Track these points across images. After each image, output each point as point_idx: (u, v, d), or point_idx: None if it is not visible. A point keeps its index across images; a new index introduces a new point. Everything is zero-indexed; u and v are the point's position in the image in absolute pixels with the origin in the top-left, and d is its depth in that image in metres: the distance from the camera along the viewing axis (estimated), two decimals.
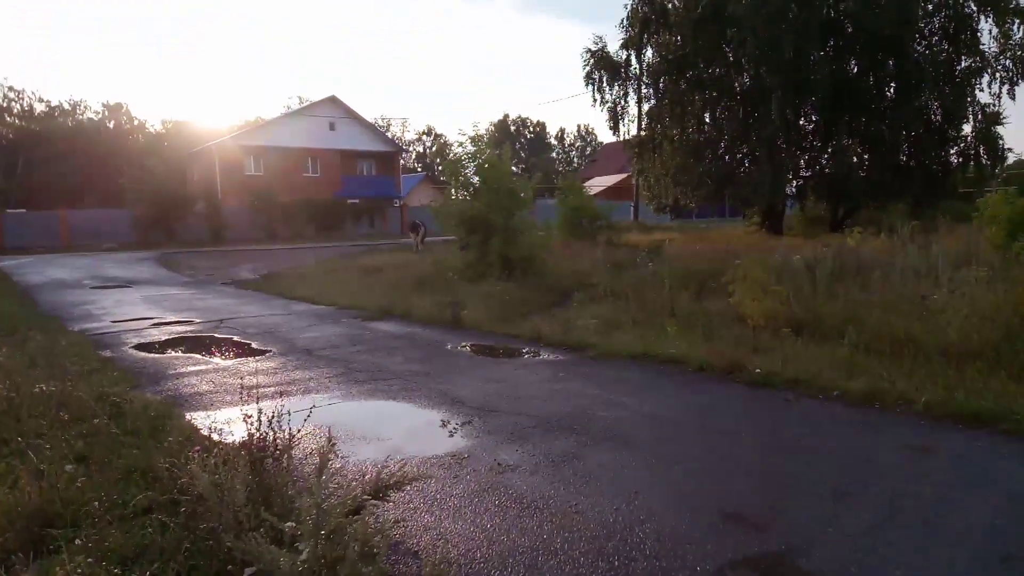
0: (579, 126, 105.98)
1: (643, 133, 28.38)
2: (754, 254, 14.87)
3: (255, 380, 6.49)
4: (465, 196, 14.83)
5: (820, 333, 7.28)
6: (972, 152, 24.94)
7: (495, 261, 13.64)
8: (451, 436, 4.79)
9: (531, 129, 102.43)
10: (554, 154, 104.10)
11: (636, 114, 28.66)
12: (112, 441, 4.44)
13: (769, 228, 25.57)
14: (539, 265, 14.35)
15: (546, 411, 5.26)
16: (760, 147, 23.67)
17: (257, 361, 7.48)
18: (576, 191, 25.38)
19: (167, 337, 9.44)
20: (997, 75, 23.97)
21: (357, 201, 44.69)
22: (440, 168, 17.65)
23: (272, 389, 6.15)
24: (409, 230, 31.06)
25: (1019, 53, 23.66)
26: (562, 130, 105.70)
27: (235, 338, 9.18)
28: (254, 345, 8.58)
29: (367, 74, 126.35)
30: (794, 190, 26.42)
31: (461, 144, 14.75)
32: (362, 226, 43.33)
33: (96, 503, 3.25)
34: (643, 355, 7.03)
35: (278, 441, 3.41)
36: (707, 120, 26.12)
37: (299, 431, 3.61)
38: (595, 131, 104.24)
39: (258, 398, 4.00)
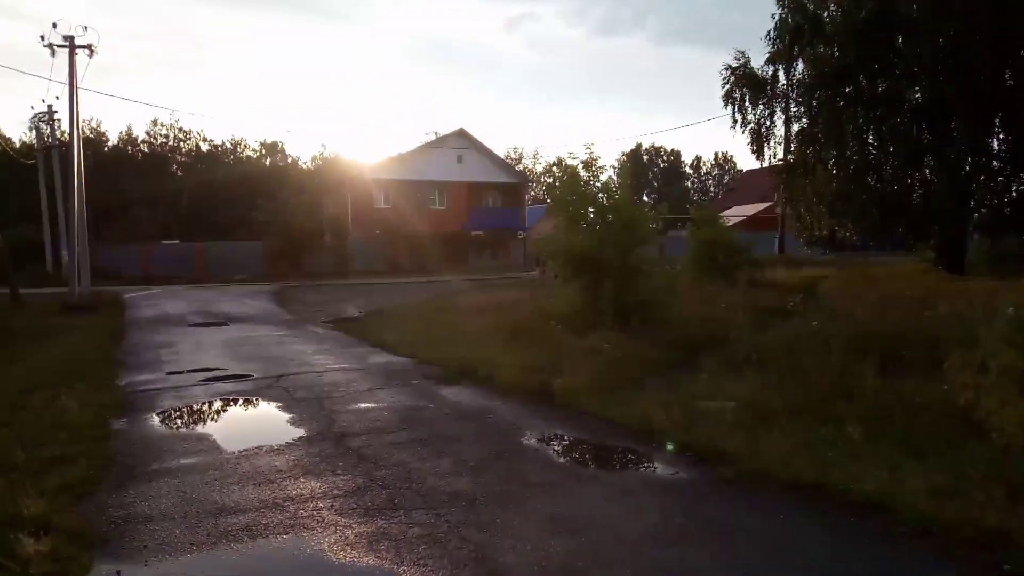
0: (716, 153, 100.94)
1: (791, 156, 24.90)
2: (953, 303, 11.60)
3: (239, 495, 4.65)
4: (577, 228, 12.64)
5: None
6: None
7: (607, 308, 11.30)
8: None
9: (664, 158, 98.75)
10: (689, 183, 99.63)
11: (783, 135, 25.29)
12: None
13: (947, 266, 21.21)
14: (662, 312, 11.85)
15: None
16: (941, 171, 19.70)
17: (270, 453, 5.67)
18: (711, 222, 22.45)
19: (204, 400, 7.98)
20: None
21: (481, 233, 43.84)
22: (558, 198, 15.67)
23: (245, 519, 4.23)
24: (536, 263, 29.39)
25: None
26: (698, 158, 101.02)
27: (275, 406, 7.52)
28: (286, 421, 6.83)
29: (502, 108, 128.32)
30: (980, 221, 21.90)
31: (574, 169, 12.62)
32: (485, 258, 42.30)
33: None
34: (815, 487, 4.46)
35: None
36: (871, 140, 22.34)
37: None
38: (733, 158, 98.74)
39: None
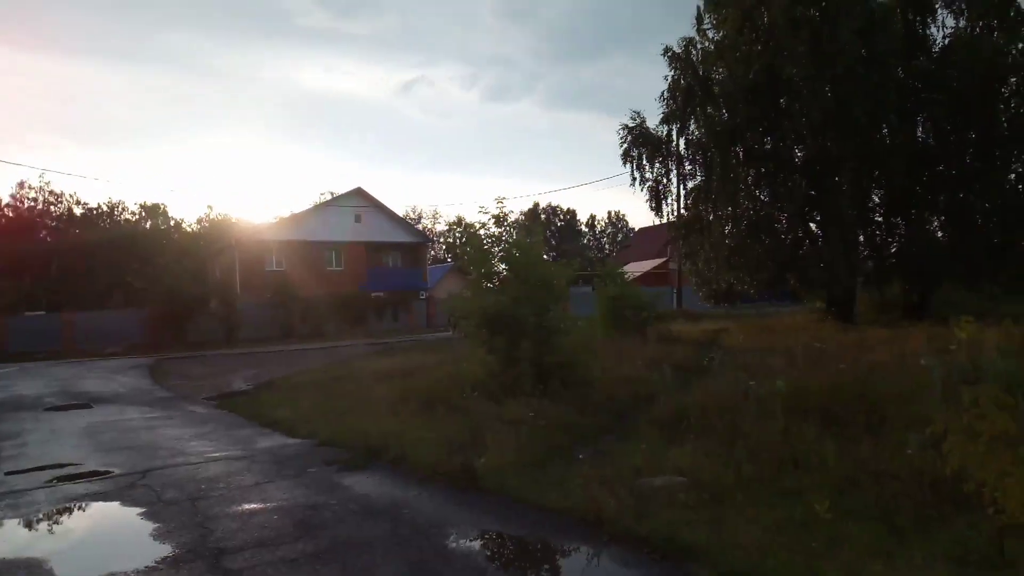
0: (610, 212, 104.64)
1: (686, 213, 25.57)
2: (862, 354, 11.67)
3: None
4: (489, 287, 11.91)
5: None
6: None
7: (526, 370, 10.53)
8: None
9: (561, 217, 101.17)
10: (585, 241, 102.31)
11: (680, 193, 25.96)
12: None
13: (838, 316, 22.04)
14: (582, 372, 11.22)
15: None
16: (829, 224, 20.58)
17: None
18: (617, 277, 22.49)
19: (47, 508, 6.44)
20: None
21: (382, 294, 42.46)
22: (465, 257, 14.66)
23: None
24: (450, 324, 28.38)
25: None
26: (592, 217, 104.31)
27: (137, 513, 6.11)
28: (149, 533, 5.49)
29: (399, 168, 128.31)
30: (869, 271, 22.98)
31: (484, 225, 11.98)
32: (387, 320, 40.82)
33: None
34: None
35: None
36: (763, 197, 23.23)
37: None
38: (625, 217, 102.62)
39: None
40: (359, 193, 44.70)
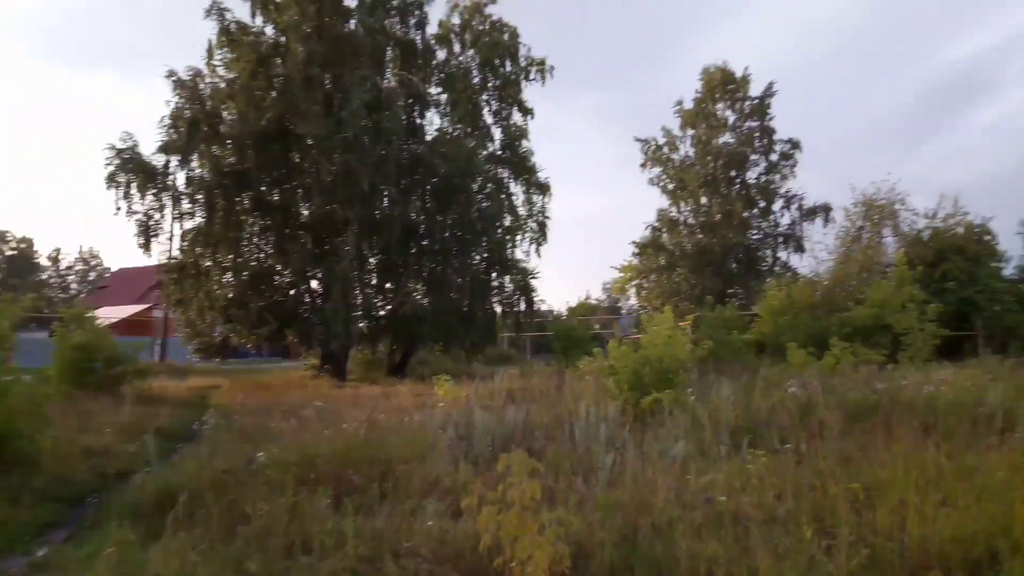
0: (81, 248, 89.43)
1: (181, 255, 23.09)
2: (361, 412, 11.66)
3: None
4: None
5: None
6: (512, 302, 26.59)
7: None
8: None
9: (13, 245, 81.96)
10: (46, 276, 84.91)
11: (178, 232, 23.31)
12: None
13: (332, 373, 22.57)
14: (25, 445, 8.37)
15: None
16: (331, 283, 21.01)
17: None
18: (85, 322, 18.62)
19: None
20: (527, 235, 26.52)
21: None
22: None
23: None
24: None
25: (542, 219, 26.69)
26: (58, 250, 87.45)
27: None
28: None
29: None
30: (364, 330, 24.26)
31: None
32: None
33: None
34: None
35: None
36: (269, 249, 22.58)
37: None
38: (99, 254, 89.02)
39: None
40: None
